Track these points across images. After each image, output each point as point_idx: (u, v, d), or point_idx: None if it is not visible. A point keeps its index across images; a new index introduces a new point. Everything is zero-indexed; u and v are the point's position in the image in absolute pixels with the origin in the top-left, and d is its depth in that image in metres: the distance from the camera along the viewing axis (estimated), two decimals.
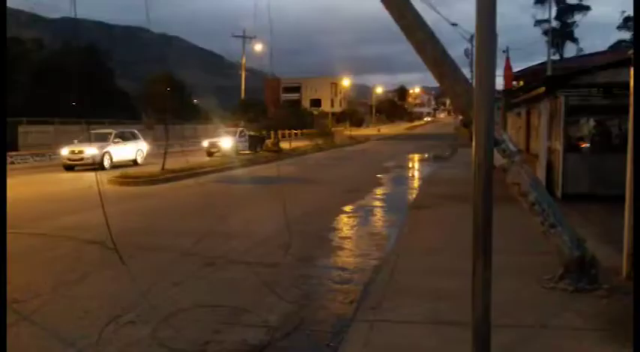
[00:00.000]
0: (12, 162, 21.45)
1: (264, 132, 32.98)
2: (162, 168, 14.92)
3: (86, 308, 4.14)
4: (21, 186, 13.83)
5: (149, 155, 20.78)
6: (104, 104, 36.34)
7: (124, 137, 20.28)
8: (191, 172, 15.51)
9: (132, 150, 20.28)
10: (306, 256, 5.83)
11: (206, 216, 8.78)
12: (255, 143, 25.95)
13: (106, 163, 18.53)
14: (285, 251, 5.96)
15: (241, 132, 26.02)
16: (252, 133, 27.47)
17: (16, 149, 25.73)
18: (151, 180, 13.73)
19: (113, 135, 19.64)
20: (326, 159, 22.83)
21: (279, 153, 24.12)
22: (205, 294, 4.49)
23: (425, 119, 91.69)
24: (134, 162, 19.79)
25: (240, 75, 46.02)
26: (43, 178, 15.55)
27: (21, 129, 27.16)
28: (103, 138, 19.35)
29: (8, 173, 17.99)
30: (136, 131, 21.84)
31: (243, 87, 46.26)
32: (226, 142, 23.94)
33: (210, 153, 23.60)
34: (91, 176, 15.54)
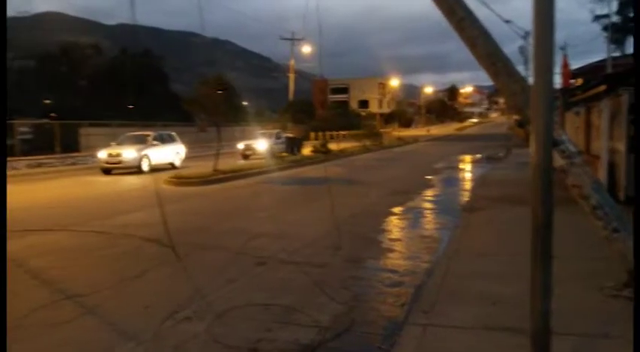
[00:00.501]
0: (74, 163, 22.65)
1: (310, 132, 32.84)
2: (214, 170, 15.32)
3: (145, 303, 4.31)
4: (80, 185, 14.61)
5: (186, 158, 20.64)
6: (159, 107, 37.73)
7: (163, 139, 19.60)
8: (241, 173, 15.87)
9: (170, 152, 19.60)
10: (355, 257, 5.83)
11: (256, 216, 8.95)
12: (292, 145, 25.49)
13: (145, 166, 17.63)
14: (334, 252, 5.98)
15: (277, 134, 25.70)
16: (289, 135, 27.08)
17: (77, 150, 27.14)
18: (203, 180, 14.13)
19: (151, 138, 19.00)
20: (374, 161, 22.70)
21: (327, 155, 24.18)
22: (257, 293, 4.57)
23: (471, 120, 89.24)
24: (172, 165, 19.20)
25: (288, 77, 46.51)
26: (99, 178, 16.27)
27: (82, 131, 28.62)
28: (141, 141, 18.66)
29: (72, 172, 19.07)
30: (174, 133, 21.20)
31: (291, 89, 46.74)
32: (261, 145, 23.56)
33: (245, 156, 23.22)
34: (145, 177, 16.24)
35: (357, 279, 4.99)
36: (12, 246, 6.56)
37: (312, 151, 25.18)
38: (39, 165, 22.77)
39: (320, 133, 41.00)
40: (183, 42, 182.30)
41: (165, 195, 11.10)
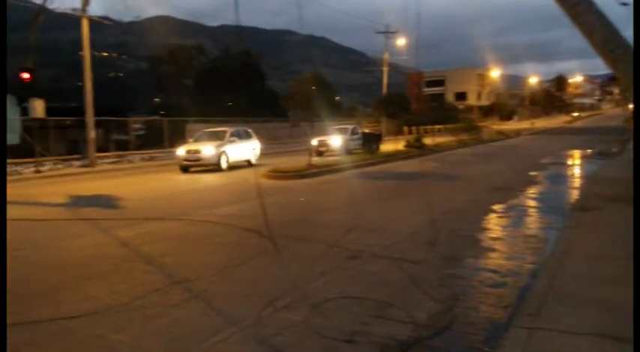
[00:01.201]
0: None
1: (403, 126, 32.13)
2: (308, 164, 15.64)
3: (246, 291, 4.51)
4: (186, 178, 15.61)
5: (261, 155, 20.33)
6: (256, 104, 39.26)
7: (239, 135, 18.92)
8: (334, 168, 16.05)
9: (246, 149, 18.95)
10: (452, 255, 5.63)
11: (350, 209, 9.00)
12: (369, 141, 24.45)
13: (223, 164, 17.16)
14: (431, 248, 5.83)
15: (354, 129, 24.68)
16: (366, 130, 25.98)
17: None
18: (298, 174, 14.49)
19: (229, 134, 18.34)
20: (472, 156, 21.80)
21: (421, 149, 23.64)
22: (351, 286, 4.59)
23: (573, 114, 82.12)
24: (248, 162, 18.76)
25: (382, 71, 46.10)
26: (202, 172, 17.22)
27: (188, 127, 30.59)
28: (218, 137, 18.07)
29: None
30: (249, 129, 20.68)
31: (384, 82, 46.29)
32: (336, 141, 22.86)
33: (319, 153, 22.36)
34: (242, 172, 16.99)
35: (455, 278, 4.82)
36: (129, 233, 7.21)
37: (406, 146, 24.68)
38: (151, 158, 24.80)
39: (414, 127, 40.17)
40: (279, 40, 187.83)
41: (262, 189, 11.54)
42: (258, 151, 19.80)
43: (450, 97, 79.07)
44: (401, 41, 46.01)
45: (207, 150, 17.00)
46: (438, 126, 45.58)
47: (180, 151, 17.49)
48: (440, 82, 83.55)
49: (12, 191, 13.97)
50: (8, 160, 19.93)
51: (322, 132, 25.51)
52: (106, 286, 4.70)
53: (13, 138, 27.81)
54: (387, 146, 25.03)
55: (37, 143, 20.87)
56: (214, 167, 16.85)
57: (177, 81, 44.53)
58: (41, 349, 3.38)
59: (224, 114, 32.43)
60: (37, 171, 19.04)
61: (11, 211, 9.93)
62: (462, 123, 41.29)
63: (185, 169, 17.17)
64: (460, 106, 69.66)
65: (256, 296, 4.31)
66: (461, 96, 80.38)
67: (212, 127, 21.13)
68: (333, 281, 4.75)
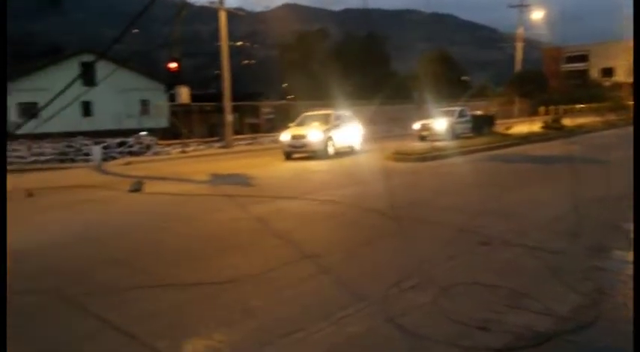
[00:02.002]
0: None
1: (539, 107, 29.54)
2: (432, 147, 15.24)
3: (372, 269, 4.59)
4: (311, 159, 16.11)
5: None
6: (380, 86, 39.05)
7: (343, 119, 17.63)
8: (459, 150, 15.42)
9: (351, 133, 17.63)
10: (598, 246, 5.12)
11: (480, 193, 8.61)
12: (480, 124, 22.59)
13: (330, 150, 15.96)
14: (572, 238, 5.36)
15: (462, 111, 22.68)
16: (477, 112, 23.78)
17: None
18: (421, 157, 14.20)
19: (334, 117, 17.12)
20: (620, 138, 19.45)
21: (560, 131, 21.67)
22: (481, 273, 4.41)
23: None
24: (351, 149, 17.50)
25: (515, 47, 42.91)
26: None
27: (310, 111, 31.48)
28: (322, 121, 16.82)
29: None
30: (351, 113, 19.18)
31: (518, 59, 43.12)
32: (440, 124, 21.11)
33: (422, 137, 21.16)
34: (352, 157, 17.08)
35: (601, 271, 4.39)
36: (262, 209, 7.70)
37: (543, 127, 22.74)
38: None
39: (552, 107, 36.89)
40: (402, 20, 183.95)
41: (385, 170, 11.54)
42: (361, 136, 18.44)
43: (594, 74, 71.05)
44: (537, 14, 42.31)
45: (313, 134, 15.80)
46: (579, 106, 41.35)
47: (285, 136, 16.34)
48: (583, 58, 75.22)
49: (164, 169, 15.69)
50: (160, 141, 22.42)
51: (427, 114, 23.77)
52: (243, 257, 5.09)
53: (161, 121, 31.22)
54: (520, 127, 23.34)
55: (183, 126, 23.13)
56: (321, 153, 15.63)
57: (304, 66, 45.97)
58: (192, 308, 3.79)
59: (348, 98, 32.82)
60: (183, 152, 21.15)
61: (165, 187, 11.20)
62: (608, 102, 36.99)
63: (289, 156, 16.15)
64: (606, 83, 62.31)
65: (382, 275, 4.35)
66: (608, 72, 71.66)
67: (323, 110, 19.77)
68: (462, 267, 4.61)
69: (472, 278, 4.22)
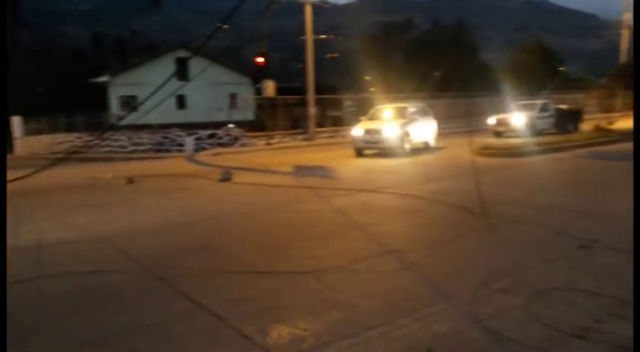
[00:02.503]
0: None
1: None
2: (523, 142, 14.44)
3: (459, 268, 4.43)
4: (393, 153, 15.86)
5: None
6: (468, 77, 37.63)
7: (420, 113, 16.36)
8: (555, 146, 14.47)
9: (426, 129, 16.31)
10: None
11: (577, 193, 8.03)
12: (565, 120, 20.44)
13: (407, 146, 14.71)
14: None
15: (544, 105, 20.55)
16: (562, 107, 21.50)
17: None
18: (512, 152, 13.50)
19: (411, 111, 15.88)
20: None
21: None
22: (579, 278, 4.10)
23: None
24: (426, 145, 16.23)
25: (619, 34, 39.34)
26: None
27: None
28: (398, 115, 15.66)
29: None
30: (426, 106, 17.80)
31: (622, 48, 39.51)
32: (519, 119, 19.31)
33: (497, 133, 19.59)
34: (449, 149, 16.52)
35: None
36: (344, 201, 7.73)
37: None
38: None
39: None
40: (492, 7, 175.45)
41: (470, 166, 11.08)
42: (435, 131, 17.07)
43: None
44: None
45: (390, 129, 14.53)
46: None
47: (357, 131, 15.10)
48: None
49: (250, 160, 16.28)
50: (247, 133, 23.28)
51: (504, 108, 21.87)
52: (327, 248, 5.14)
53: (248, 114, 32.36)
54: (625, 123, 21.41)
55: (268, 119, 23.82)
56: (397, 150, 14.42)
57: (388, 58, 45.42)
58: (277, 295, 3.89)
59: (430, 90, 31.99)
60: (268, 144, 21.81)
61: (252, 177, 11.62)
62: None
63: (360, 152, 14.99)
64: None
65: (469, 275, 4.20)
66: None
67: (398, 103, 18.71)
68: (558, 270, 4.32)
69: (569, 284, 3.94)
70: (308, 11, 22.85)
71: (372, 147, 15.04)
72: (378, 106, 17.36)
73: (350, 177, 10.73)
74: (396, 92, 32.02)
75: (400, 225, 6.22)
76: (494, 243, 5.18)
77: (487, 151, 13.72)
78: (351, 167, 12.88)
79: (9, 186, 11.72)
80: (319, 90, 25.53)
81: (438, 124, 17.57)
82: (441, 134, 18.20)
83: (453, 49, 41.49)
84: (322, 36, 36.66)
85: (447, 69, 41.96)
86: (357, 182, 9.87)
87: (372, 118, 16.07)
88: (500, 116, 20.63)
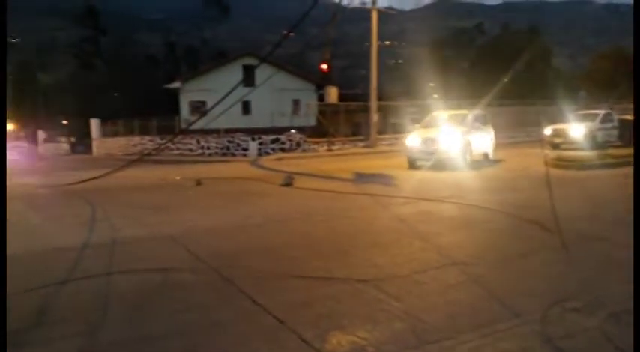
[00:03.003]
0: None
1: None
2: (604, 153, 13.59)
3: (528, 284, 4.23)
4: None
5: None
6: (539, 85, 36.08)
7: (479, 121, 15.00)
8: (625, 160, 13.47)
9: (486, 139, 15.00)
10: None
11: None
12: (629, 132, 18.37)
13: (467, 157, 13.46)
14: None
15: (606, 115, 19.01)
16: (628, 117, 19.42)
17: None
18: (589, 164, 12.76)
19: (472, 118, 14.57)
20: None
21: None
22: None
23: None
24: (485, 156, 14.99)
25: None
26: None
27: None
28: (456, 122, 14.34)
29: None
30: (486, 114, 16.29)
31: None
32: (577, 130, 17.80)
33: (554, 145, 18.10)
34: (524, 159, 15.80)
35: None
36: (406, 210, 7.62)
37: None
38: None
39: None
40: (568, 12, 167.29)
41: (540, 178, 10.56)
42: (493, 142, 15.64)
43: None
44: None
45: (449, 138, 13.27)
46: None
47: (413, 140, 13.92)
48: None
49: (311, 165, 16.44)
50: (309, 139, 23.55)
51: (562, 118, 20.22)
52: (388, 257, 5.07)
53: (310, 120, 32.79)
54: None
55: (330, 125, 23.98)
56: (458, 162, 13.17)
57: (454, 64, 44.44)
58: (338, 302, 3.88)
59: (497, 97, 30.92)
60: (329, 150, 21.93)
61: (313, 183, 11.73)
62: None
63: (413, 164, 13.84)
64: None
65: (540, 292, 3.99)
66: None
67: (456, 110, 17.63)
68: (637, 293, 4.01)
69: None
70: (374, 18, 22.83)
71: (428, 158, 13.68)
72: (435, 113, 15.99)
73: (411, 186, 10.56)
74: (459, 99, 31.24)
75: (465, 237, 6.03)
76: (568, 259, 4.90)
77: (556, 163, 13.03)
78: (411, 175, 12.67)
79: (88, 184, 12.55)
80: (381, 96, 25.39)
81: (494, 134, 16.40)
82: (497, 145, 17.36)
83: (523, 55, 39.90)
84: (387, 42, 36.46)
85: (517, 75, 40.39)
86: (420, 190, 9.70)
87: (427, 126, 14.81)
88: (558, 126, 19.32)
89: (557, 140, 18.79)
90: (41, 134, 48.82)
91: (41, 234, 6.91)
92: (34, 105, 59.66)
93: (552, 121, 20.49)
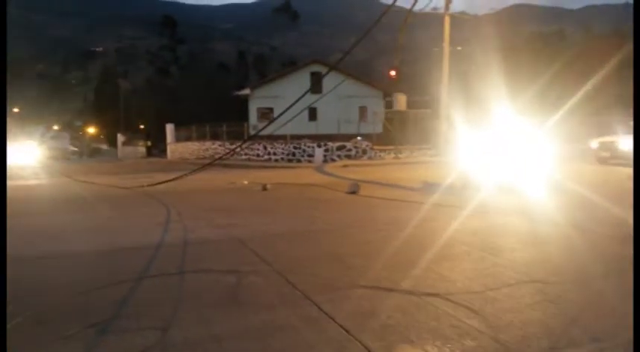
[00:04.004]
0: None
1: None
2: None
3: (610, 305, 3.92)
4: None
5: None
6: (624, 92, 33.72)
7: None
8: None
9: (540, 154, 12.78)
10: None
11: None
12: None
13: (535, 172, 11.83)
14: None
15: None
16: None
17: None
18: None
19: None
20: None
21: None
22: None
23: None
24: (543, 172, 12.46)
25: None
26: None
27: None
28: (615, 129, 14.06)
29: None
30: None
31: None
32: (626, 143, 15.87)
33: (602, 160, 16.42)
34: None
35: None
36: (477, 222, 7.34)
37: None
38: None
39: None
40: None
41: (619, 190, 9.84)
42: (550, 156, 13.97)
43: None
44: None
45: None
46: None
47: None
48: None
49: (378, 173, 16.32)
50: (376, 146, 23.42)
51: (614, 129, 17.86)
52: (458, 270, 4.89)
53: (377, 127, 32.59)
54: None
55: (397, 132, 23.70)
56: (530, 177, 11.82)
57: (531, 69, 42.54)
58: (405, 315, 3.78)
59: (583, 106, 29.19)
60: (396, 157, 21.65)
61: (379, 191, 11.63)
62: None
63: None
64: None
65: (625, 315, 3.67)
66: None
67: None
68: None
69: None
70: (446, 23, 22.36)
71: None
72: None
73: (483, 196, 10.17)
74: (531, 108, 29.81)
75: (541, 253, 5.69)
76: None
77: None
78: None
79: (162, 186, 13.18)
80: (451, 103, 24.78)
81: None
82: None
83: (607, 61, 37.48)
84: (458, 48, 35.60)
85: (601, 81, 37.99)
86: (491, 202, 9.31)
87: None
88: (606, 139, 17.40)
89: (604, 154, 17.12)
90: (120, 137, 52.02)
91: (122, 233, 7.32)
92: (115, 109, 63.70)
93: (604, 133, 18.45)
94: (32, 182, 17.65)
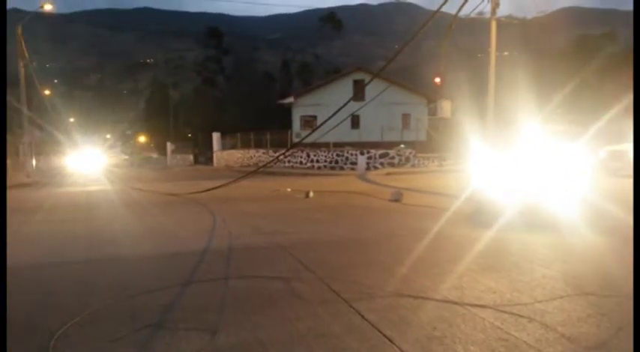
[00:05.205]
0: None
1: None
2: None
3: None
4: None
5: None
6: None
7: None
8: None
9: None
10: None
11: None
12: None
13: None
14: None
15: None
16: None
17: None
18: None
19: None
20: None
21: None
22: None
23: None
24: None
25: None
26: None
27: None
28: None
29: None
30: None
31: None
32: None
33: (610, 171, 14.68)
34: None
35: None
36: (525, 234, 7.12)
37: None
38: None
39: None
40: None
41: None
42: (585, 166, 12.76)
43: None
44: None
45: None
46: None
47: None
48: None
49: (421, 181, 16.12)
50: (419, 154, 23.15)
51: (624, 137, 15.60)
52: (506, 282, 4.76)
53: (421, 134, 32.22)
54: None
55: (442, 140, 23.34)
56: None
57: (579, 75, 41.00)
58: (449, 326, 3.71)
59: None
60: (440, 165, 21.31)
61: (422, 199, 11.48)
62: None
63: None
64: None
65: None
66: None
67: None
68: None
69: None
70: (493, 28, 21.89)
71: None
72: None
73: (525, 205, 9.83)
74: (581, 113, 28.66)
75: (594, 265, 5.46)
76: None
77: None
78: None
79: (209, 193, 13.49)
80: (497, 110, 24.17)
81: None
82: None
83: None
84: (505, 53, 34.78)
85: None
86: (541, 213, 8.99)
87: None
88: (615, 147, 15.63)
89: (613, 164, 15.34)
90: (169, 146, 53.73)
91: (171, 238, 7.56)
92: (164, 119, 65.82)
93: (613, 141, 16.26)
94: (93, 188, 18.51)
